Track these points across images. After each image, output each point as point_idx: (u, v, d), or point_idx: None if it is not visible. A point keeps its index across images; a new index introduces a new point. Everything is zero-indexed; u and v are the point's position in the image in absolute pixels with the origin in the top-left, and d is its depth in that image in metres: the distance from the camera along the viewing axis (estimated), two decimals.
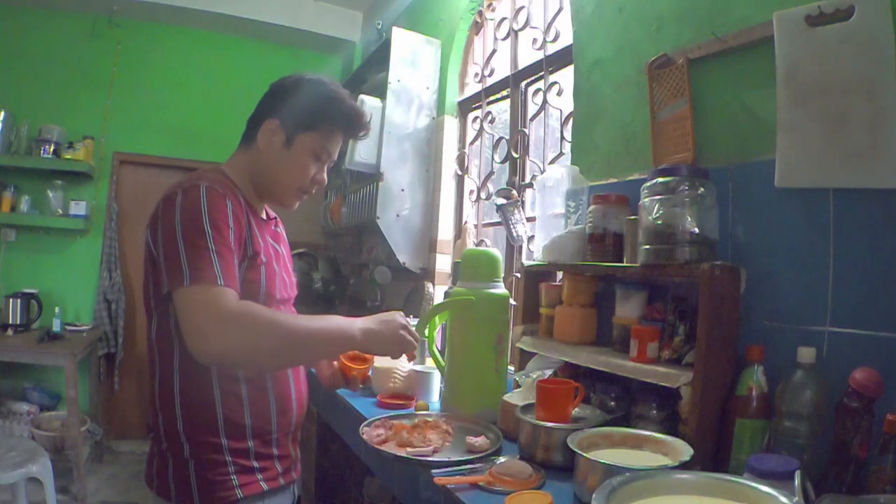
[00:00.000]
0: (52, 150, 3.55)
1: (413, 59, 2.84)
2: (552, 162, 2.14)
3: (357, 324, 1.11)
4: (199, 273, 0.93)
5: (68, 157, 3.58)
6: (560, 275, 1.67)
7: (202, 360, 0.93)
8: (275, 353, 1.01)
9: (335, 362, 1.35)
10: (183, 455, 1.03)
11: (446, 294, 2.18)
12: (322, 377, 1.37)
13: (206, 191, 1.01)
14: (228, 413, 1.05)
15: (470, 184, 2.78)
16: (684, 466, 0.97)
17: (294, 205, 1.20)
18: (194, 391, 1.04)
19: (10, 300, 3.38)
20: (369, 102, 2.79)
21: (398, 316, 1.18)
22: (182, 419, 1.04)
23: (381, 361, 1.82)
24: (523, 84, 2.41)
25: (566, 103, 2.03)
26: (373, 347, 1.14)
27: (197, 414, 1.04)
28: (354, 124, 1.20)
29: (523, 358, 1.67)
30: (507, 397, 1.45)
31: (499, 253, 1.64)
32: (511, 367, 1.73)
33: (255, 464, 1.07)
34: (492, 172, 2.60)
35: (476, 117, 2.73)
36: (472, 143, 2.77)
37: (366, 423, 1.40)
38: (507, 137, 2.45)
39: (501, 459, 1.20)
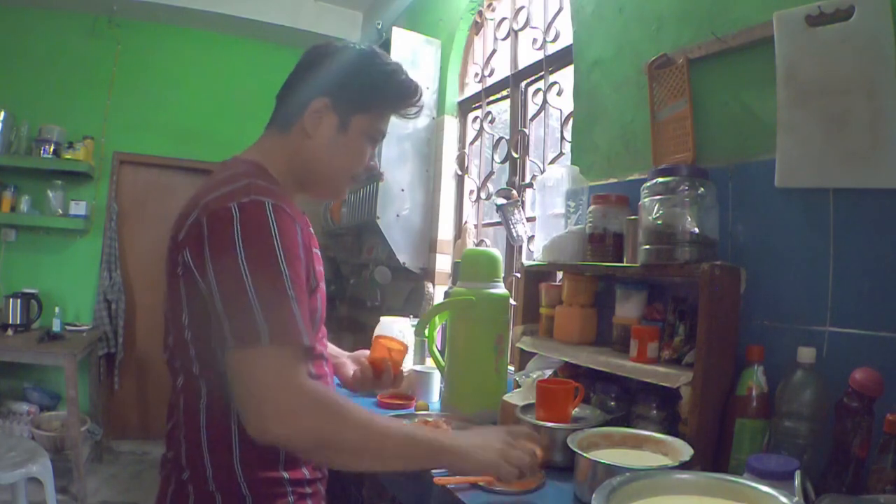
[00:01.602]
0: (52, 150, 3.55)
1: (413, 59, 2.84)
2: (552, 162, 2.14)
3: (459, 439, 0.92)
4: (281, 329, 0.77)
5: (68, 157, 3.58)
6: (560, 275, 1.67)
7: (260, 437, 0.77)
8: (354, 454, 0.82)
9: (362, 359, 1.22)
10: (240, 492, 0.91)
11: (446, 294, 2.18)
12: (345, 380, 1.24)
13: (274, 211, 0.82)
14: None
15: (470, 184, 2.78)
16: (684, 466, 0.97)
17: (345, 194, 1.06)
18: None
19: (10, 300, 3.38)
20: None
21: (503, 433, 0.97)
22: (239, 455, 0.90)
23: None
24: (523, 84, 2.41)
25: (566, 103, 2.03)
26: (468, 469, 0.91)
27: (255, 448, 0.88)
28: (410, 102, 1.04)
29: (523, 358, 1.67)
30: (507, 397, 1.45)
31: (499, 253, 1.64)
32: (511, 367, 1.73)
33: (308, 489, 0.99)
34: (492, 172, 2.60)
35: (476, 117, 2.73)
36: (472, 143, 2.77)
37: None
38: (507, 137, 2.45)
39: None
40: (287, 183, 0.99)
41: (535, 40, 2.27)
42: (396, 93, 1.02)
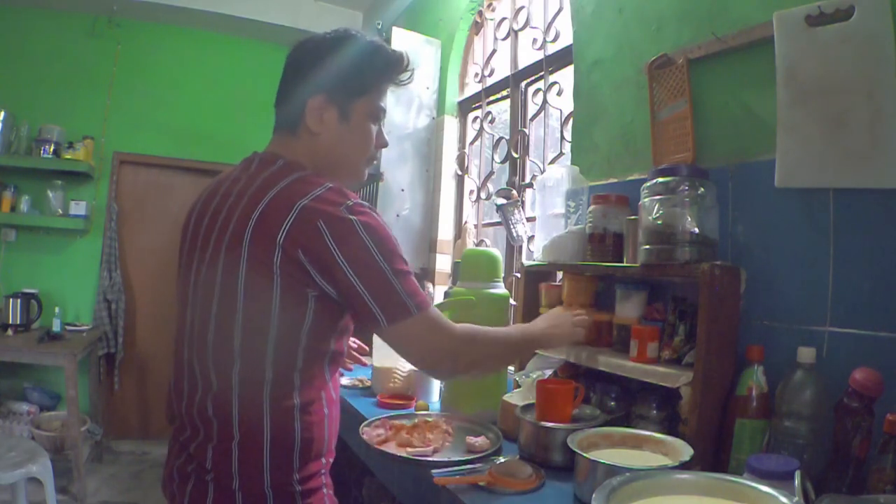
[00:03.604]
0: (52, 150, 3.55)
1: (413, 59, 2.83)
2: (552, 162, 2.14)
3: (537, 326, 1.23)
4: (419, 300, 0.93)
5: (68, 157, 3.57)
6: (560, 275, 1.67)
7: (438, 375, 1.07)
8: (492, 367, 1.20)
9: None
10: (293, 496, 0.93)
11: (446, 294, 2.18)
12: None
13: (378, 215, 0.96)
14: (331, 436, 0.99)
15: (470, 184, 2.78)
16: (684, 466, 0.97)
17: (366, 175, 1.11)
18: (312, 421, 0.94)
19: (10, 300, 3.38)
20: None
21: (562, 313, 1.30)
22: (300, 455, 0.93)
23: (380, 362, 1.82)
24: (523, 84, 2.41)
25: (566, 103, 2.03)
26: (553, 343, 1.25)
27: (312, 445, 0.95)
28: (401, 71, 1.08)
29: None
30: (507, 397, 1.45)
31: (499, 253, 1.64)
32: (511, 367, 1.73)
33: (328, 480, 1.03)
34: (492, 172, 2.60)
35: (476, 117, 2.73)
36: (472, 143, 2.77)
37: (366, 423, 1.40)
38: (507, 137, 2.45)
39: (501, 459, 1.20)
40: None
41: (535, 40, 2.27)
42: (385, 67, 1.05)
